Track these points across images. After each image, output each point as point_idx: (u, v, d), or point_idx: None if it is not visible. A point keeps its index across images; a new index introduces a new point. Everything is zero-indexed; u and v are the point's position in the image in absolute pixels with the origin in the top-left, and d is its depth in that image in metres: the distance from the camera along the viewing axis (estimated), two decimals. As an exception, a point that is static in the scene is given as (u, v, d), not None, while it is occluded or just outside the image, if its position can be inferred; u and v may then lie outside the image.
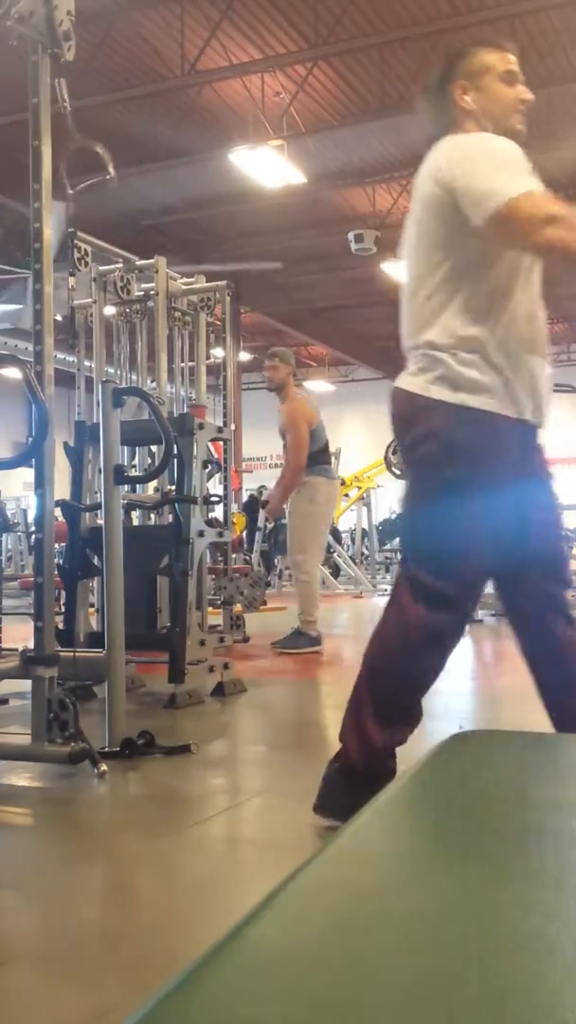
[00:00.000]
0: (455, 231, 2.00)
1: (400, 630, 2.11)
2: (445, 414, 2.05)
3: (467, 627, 2.18)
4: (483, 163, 1.96)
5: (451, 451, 2.05)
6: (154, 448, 4.52)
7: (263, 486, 12.94)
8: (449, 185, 1.97)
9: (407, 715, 2.13)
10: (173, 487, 3.99)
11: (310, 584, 5.60)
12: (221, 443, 5.06)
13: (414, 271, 2.12)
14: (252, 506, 12.50)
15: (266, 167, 11.49)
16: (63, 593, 4.29)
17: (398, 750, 2.13)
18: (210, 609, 5.13)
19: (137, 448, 4.65)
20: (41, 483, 2.76)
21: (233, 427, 6.34)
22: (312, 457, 5.52)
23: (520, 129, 2.11)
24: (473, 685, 4.22)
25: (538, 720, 2.88)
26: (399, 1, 9.63)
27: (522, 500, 2.09)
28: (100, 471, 3.12)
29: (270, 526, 6.30)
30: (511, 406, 2.05)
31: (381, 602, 11.89)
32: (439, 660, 2.12)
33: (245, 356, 20.75)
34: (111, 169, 2.81)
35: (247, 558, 10.71)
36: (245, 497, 14.21)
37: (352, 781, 2.08)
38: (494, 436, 2.05)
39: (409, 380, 2.10)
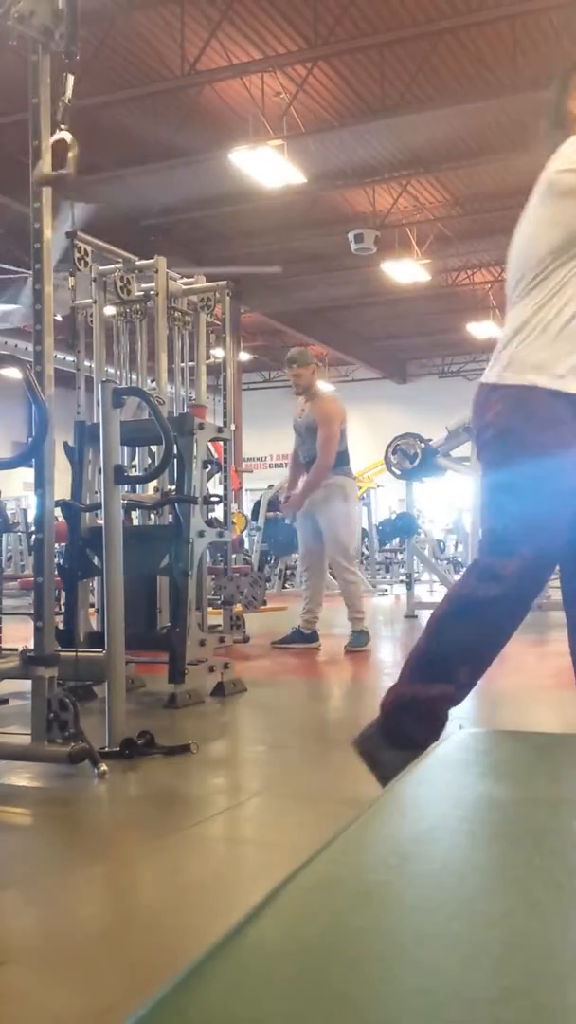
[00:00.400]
0: None
1: (452, 596, 2.24)
2: (503, 398, 2.16)
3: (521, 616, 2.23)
4: None
5: (502, 435, 2.16)
6: (154, 448, 4.52)
7: (271, 484, 12.93)
8: None
9: (433, 675, 2.18)
10: (173, 487, 3.99)
11: (358, 583, 5.72)
12: (221, 443, 5.06)
13: (519, 268, 2.19)
14: (271, 507, 12.50)
15: (266, 167, 11.49)
16: (63, 593, 4.29)
17: None
18: (210, 609, 5.13)
19: (137, 448, 4.65)
20: (41, 483, 2.76)
21: (233, 427, 6.33)
22: (338, 457, 5.54)
23: None
24: (473, 685, 4.22)
25: (538, 720, 2.89)
26: (399, 1, 9.64)
27: None
28: (100, 471, 3.12)
29: (288, 521, 6.21)
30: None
31: (382, 602, 11.90)
32: (479, 635, 2.18)
33: (245, 356, 20.75)
34: (71, 165, 2.77)
35: (247, 558, 10.71)
36: (253, 497, 14.19)
37: (381, 724, 2.18)
38: (545, 414, 2.11)
39: (486, 375, 2.21)
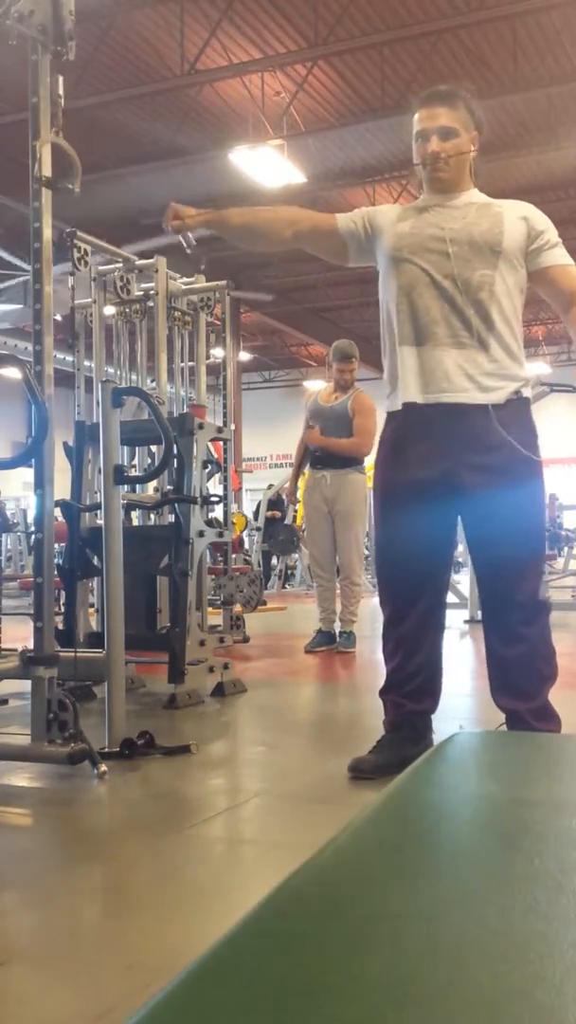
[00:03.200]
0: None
1: None
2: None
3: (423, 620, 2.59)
4: None
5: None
6: (154, 448, 4.52)
7: (271, 484, 12.93)
8: None
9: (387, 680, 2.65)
10: (173, 487, 3.99)
11: (361, 587, 5.76)
12: (221, 443, 5.06)
13: None
14: (270, 507, 12.50)
15: (266, 167, 11.50)
16: (63, 593, 4.29)
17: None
18: (210, 609, 5.12)
19: (137, 448, 4.64)
20: (41, 483, 2.76)
21: (233, 427, 6.31)
22: (359, 457, 5.49)
23: (438, 177, 2.49)
24: (473, 685, 4.22)
25: (538, 720, 2.86)
26: (399, 1, 9.64)
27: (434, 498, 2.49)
28: (100, 471, 3.12)
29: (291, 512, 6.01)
30: (401, 396, 2.50)
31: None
32: (392, 646, 2.61)
33: (245, 356, 20.74)
34: (77, 184, 2.79)
35: (247, 558, 10.70)
36: (254, 497, 14.16)
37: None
38: (393, 431, 2.54)
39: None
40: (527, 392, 2.49)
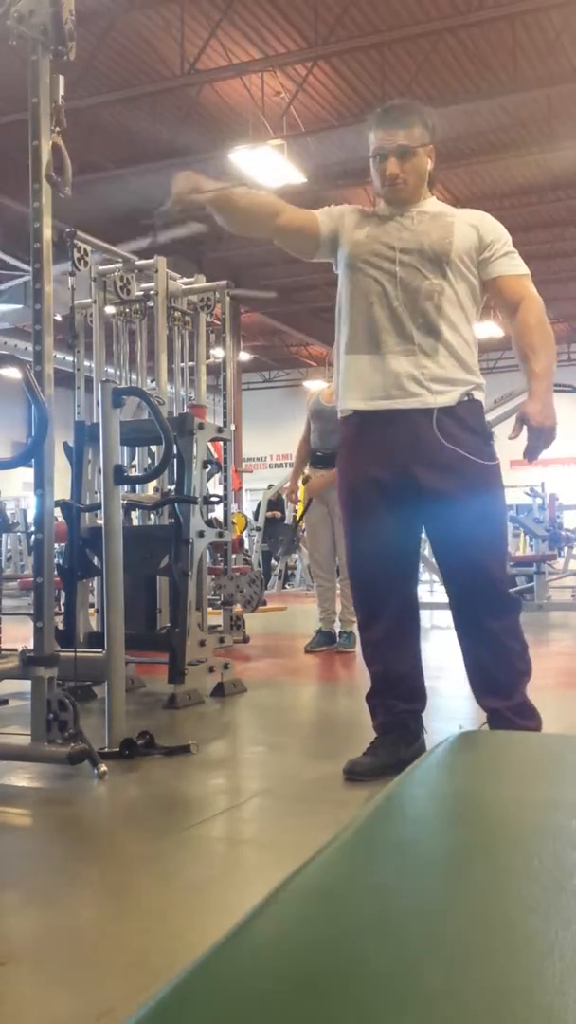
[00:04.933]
0: None
1: None
2: None
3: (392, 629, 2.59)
4: None
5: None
6: (154, 448, 4.52)
7: (271, 484, 12.93)
8: None
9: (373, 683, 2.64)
10: (173, 487, 3.99)
11: None
12: (221, 443, 5.05)
13: None
14: (271, 507, 12.51)
15: (266, 167, 11.49)
16: (63, 593, 4.29)
17: None
18: (210, 609, 5.12)
19: (137, 448, 4.64)
20: (41, 483, 2.76)
21: (233, 427, 6.31)
22: None
23: (397, 197, 2.52)
24: (473, 685, 4.22)
25: (538, 720, 2.86)
26: (399, 1, 9.63)
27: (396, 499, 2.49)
28: (100, 471, 3.12)
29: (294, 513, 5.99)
30: (350, 403, 2.52)
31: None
32: (371, 651, 2.59)
33: (245, 356, 20.74)
34: (68, 190, 2.80)
35: (247, 558, 10.70)
36: (254, 497, 14.16)
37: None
38: (349, 436, 2.57)
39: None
40: (479, 395, 2.51)
